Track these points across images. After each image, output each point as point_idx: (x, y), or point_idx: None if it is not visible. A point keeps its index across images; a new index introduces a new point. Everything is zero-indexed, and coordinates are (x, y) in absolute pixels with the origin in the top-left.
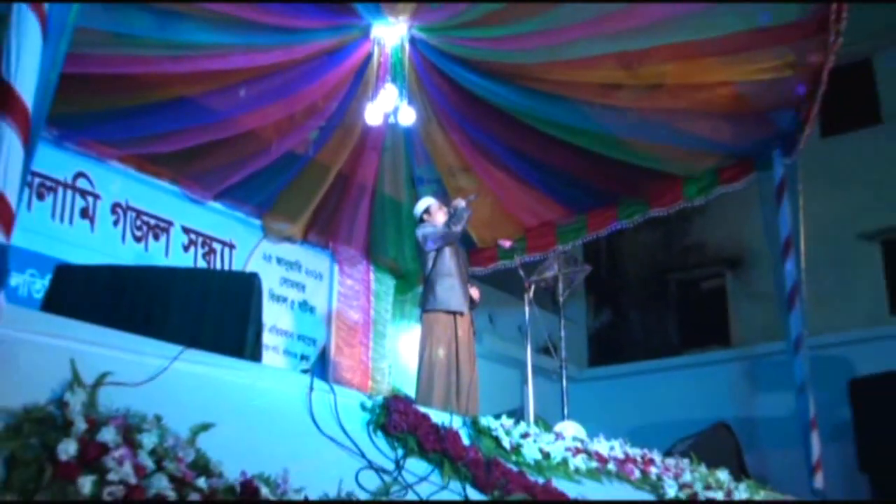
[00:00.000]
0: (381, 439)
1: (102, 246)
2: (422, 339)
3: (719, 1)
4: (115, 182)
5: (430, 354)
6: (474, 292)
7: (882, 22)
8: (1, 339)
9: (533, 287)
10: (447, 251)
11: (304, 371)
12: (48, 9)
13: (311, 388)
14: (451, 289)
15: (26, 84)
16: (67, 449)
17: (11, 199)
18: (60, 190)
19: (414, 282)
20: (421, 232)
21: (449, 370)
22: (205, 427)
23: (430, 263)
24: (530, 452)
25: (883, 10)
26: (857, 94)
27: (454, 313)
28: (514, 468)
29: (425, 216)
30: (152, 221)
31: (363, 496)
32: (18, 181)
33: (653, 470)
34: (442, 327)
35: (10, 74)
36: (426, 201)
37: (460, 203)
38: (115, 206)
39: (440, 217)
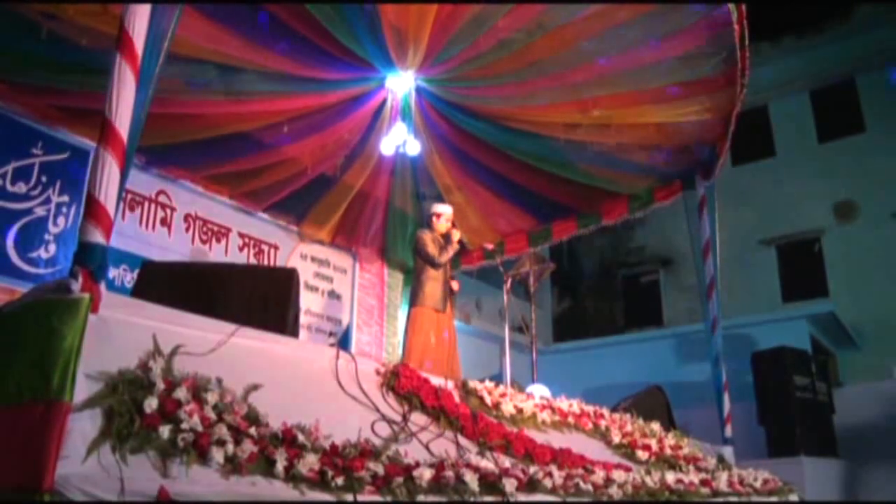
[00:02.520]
0: (391, 397)
1: (177, 247)
2: (407, 326)
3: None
4: (187, 198)
5: (410, 339)
6: (455, 285)
7: (776, 78)
8: (101, 319)
9: (510, 280)
10: None
11: (332, 344)
12: (140, 63)
13: (338, 358)
14: (434, 290)
15: (123, 122)
16: (151, 404)
17: (110, 210)
18: (146, 203)
19: None
20: (418, 242)
21: (424, 351)
22: (255, 388)
23: (420, 264)
24: (507, 408)
25: (777, 68)
26: (757, 132)
27: (435, 309)
28: (495, 420)
29: (434, 218)
30: (215, 228)
31: (377, 442)
32: (115, 197)
33: (602, 422)
34: (424, 319)
35: (112, 114)
36: (443, 208)
37: (458, 236)
38: (187, 216)
39: (443, 226)
